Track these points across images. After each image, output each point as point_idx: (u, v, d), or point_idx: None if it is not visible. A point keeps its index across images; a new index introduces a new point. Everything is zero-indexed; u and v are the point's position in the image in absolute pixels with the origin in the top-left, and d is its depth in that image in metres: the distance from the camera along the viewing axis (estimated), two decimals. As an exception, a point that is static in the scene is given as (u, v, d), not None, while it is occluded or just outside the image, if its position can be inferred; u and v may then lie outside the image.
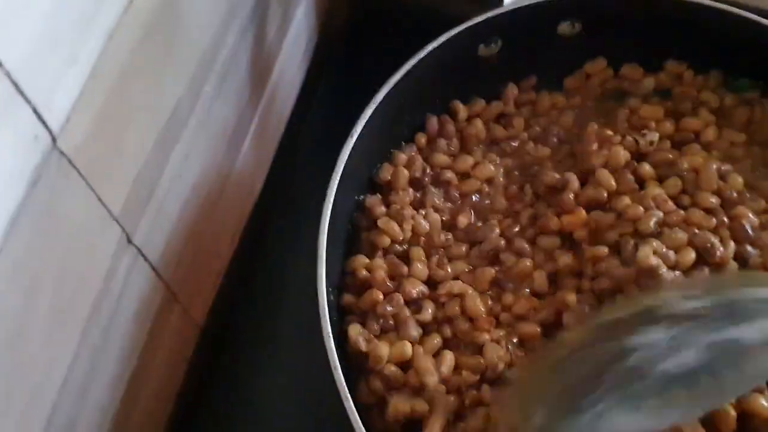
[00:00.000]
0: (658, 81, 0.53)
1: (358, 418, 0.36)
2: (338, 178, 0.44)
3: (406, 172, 0.49)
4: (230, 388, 0.55)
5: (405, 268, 0.45)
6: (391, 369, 0.41)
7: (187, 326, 0.53)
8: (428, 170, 0.50)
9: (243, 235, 0.60)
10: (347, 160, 0.45)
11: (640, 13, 0.52)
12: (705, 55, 0.52)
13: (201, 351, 0.55)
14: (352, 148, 0.45)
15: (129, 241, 0.40)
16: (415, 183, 0.50)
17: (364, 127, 0.47)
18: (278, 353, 0.55)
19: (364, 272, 0.46)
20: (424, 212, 0.48)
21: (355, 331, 0.43)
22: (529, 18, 0.51)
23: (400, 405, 0.40)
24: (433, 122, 0.52)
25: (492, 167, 0.50)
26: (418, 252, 0.46)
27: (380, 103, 0.47)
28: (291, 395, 0.53)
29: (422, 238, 0.46)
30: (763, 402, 0.38)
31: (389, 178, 0.50)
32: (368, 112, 0.47)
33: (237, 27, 0.49)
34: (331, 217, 0.43)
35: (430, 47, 0.49)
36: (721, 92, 0.52)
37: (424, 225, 0.47)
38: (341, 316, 0.45)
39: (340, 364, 0.38)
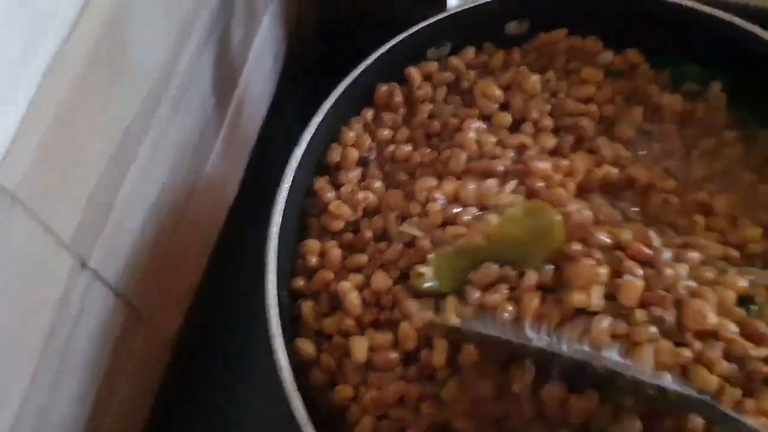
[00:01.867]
0: (615, 62, 0.56)
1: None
2: (286, 192, 0.46)
3: (355, 152, 0.52)
4: (205, 403, 0.57)
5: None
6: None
7: (156, 342, 0.55)
8: (373, 146, 0.52)
9: (216, 248, 0.62)
10: (295, 173, 0.47)
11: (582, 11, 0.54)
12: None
13: (174, 367, 0.57)
14: (299, 163, 0.48)
15: (83, 265, 0.42)
16: (361, 160, 0.52)
17: (313, 137, 0.49)
18: (255, 366, 0.57)
19: (314, 258, 0.48)
20: (367, 185, 0.51)
21: (307, 307, 0.46)
22: (476, 19, 0.53)
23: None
24: (382, 91, 0.54)
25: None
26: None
27: (328, 112, 0.50)
28: (265, 409, 0.55)
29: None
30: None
31: (338, 158, 0.52)
32: (316, 120, 0.50)
33: (192, 47, 0.51)
34: (286, 208, 0.46)
35: (376, 54, 0.52)
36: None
37: (373, 199, 0.50)
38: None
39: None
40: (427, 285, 0.43)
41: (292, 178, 0.47)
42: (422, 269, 0.43)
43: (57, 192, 0.38)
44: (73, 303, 0.42)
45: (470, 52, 0.56)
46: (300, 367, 0.44)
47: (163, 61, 0.47)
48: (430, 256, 0.43)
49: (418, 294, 0.44)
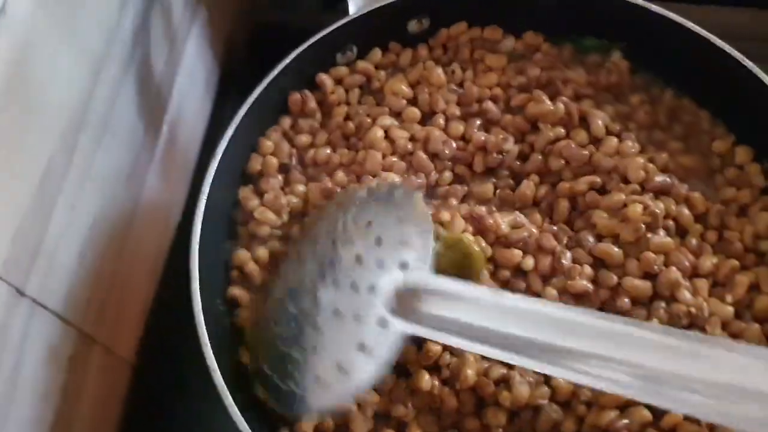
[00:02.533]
0: (517, 47, 0.59)
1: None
2: (203, 208, 0.50)
3: (274, 159, 0.55)
4: (173, 424, 0.59)
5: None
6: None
7: (114, 364, 0.58)
8: (294, 153, 0.56)
9: (166, 266, 0.65)
10: (214, 185, 0.51)
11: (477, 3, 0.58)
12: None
13: (135, 387, 0.60)
14: (221, 175, 0.51)
15: (21, 293, 0.45)
16: (283, 167, 0.56)
17: (233, 147, 0.53)
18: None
19: (251, 264, 0.51)
20: (290, 189, 0.54)
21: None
22: (379, 21, 0.56)
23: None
24: (295, 98, 0.58)
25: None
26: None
27: (240, 123, 0.53)
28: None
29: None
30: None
31: (259, 167, 0.55)
32: (228, 132, 0.53)
33: (109, 79, 0.53)
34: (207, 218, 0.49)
35: (282, 64, 0.55)
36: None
37: (297, 203, 0.53)
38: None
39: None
40: None
41: (208, 191, 0.50)
42: None
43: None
44: (15, 331, 0.44)
45: (377, 53, 0.59)
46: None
47: (77, 96, 0.50)
48: None
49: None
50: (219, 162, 0.52)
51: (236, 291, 0.52)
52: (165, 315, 0.63)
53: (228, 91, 0.76)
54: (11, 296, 0.44)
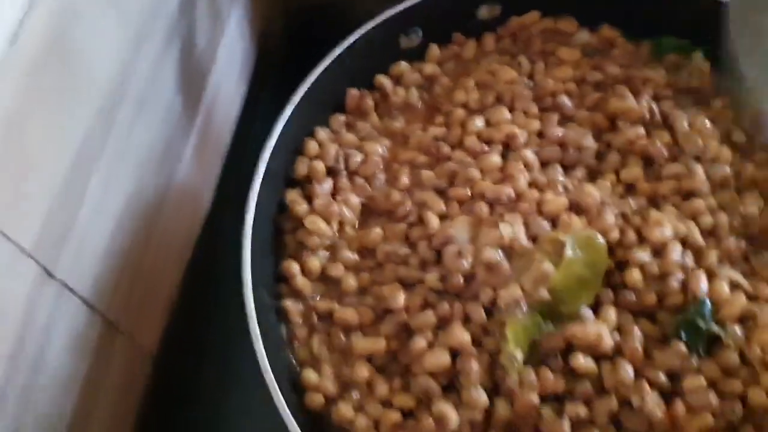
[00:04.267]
0: (591, 41, 0.57)
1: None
2: (260, 181, 0.47)
3: (321, 163, 0.52)
4: (192, 416, 0.57)
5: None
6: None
7: (136, 355, 0.55)
8: (341, 155, 0.53)
9: (192, 259, 0.63)
10: (261, 188, 0.48)
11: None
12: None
13: (156, 378, 0.57)
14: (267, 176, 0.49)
15: (50, 275, 0.43)
16: (331, 170, 0.53)
17: (284, 128, 0.51)
18: (241, 378, 0.57)
19: (300, 278, 0.48)
20: (343, 198, 0.51)
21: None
22: (446, 4, 0.54)
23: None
24: (353, 95, 0.56)
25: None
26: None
27: (298, 104, 0.51)
28: (253, 421, 0.55)
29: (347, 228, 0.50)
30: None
31: (306, 171, 0.52)
32: (287, 112, 0.51)
33: (151, 53, 0.51)
34: (257, 221, 0.46)
35: (345, 44, 0.53)
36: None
37: (349, 215, 0.50)
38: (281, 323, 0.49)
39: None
40: (518, 364, 0.44)
41: (257, 197, 0.48)
42: (516, 353, 0.43)
43: (14, 204, 0.39)
44: (41, 313, 0.42)
45: (434, 49, 0.58)
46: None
47: (118, 68, 0.47)
48: (509, 331, 0.44)
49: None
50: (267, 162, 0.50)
51: (288, 304, 0.49)
52: (189, 307, 0.61)
53: (263, 75, 0.74)
54: (40, 277, 0.42)
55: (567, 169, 0.52)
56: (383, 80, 0.56)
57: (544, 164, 0.52)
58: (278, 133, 0.50)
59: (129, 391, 0.55)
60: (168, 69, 0.55)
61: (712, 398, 0.43)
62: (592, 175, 0.51)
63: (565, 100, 0.53)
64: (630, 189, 0.51)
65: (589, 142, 0.51)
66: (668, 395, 0.43)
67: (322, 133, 0.54)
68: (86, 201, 0.45)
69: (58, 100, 0.41)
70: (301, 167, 0.52)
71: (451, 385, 0.44)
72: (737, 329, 0.44)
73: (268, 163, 0.49)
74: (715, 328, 0.44)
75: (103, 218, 0.48)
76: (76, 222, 0.45)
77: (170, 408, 0.57)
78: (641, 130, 0.51)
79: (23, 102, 0.38)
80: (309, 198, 0.52)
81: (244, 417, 0.55)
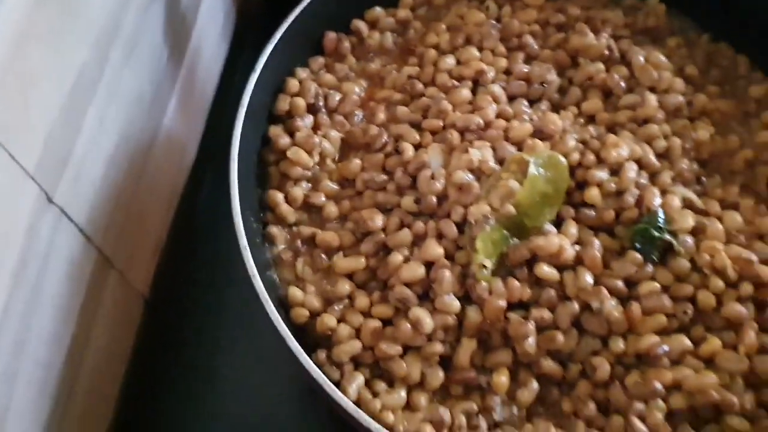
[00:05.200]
0: None
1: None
2: (243, 116, 0.51)
3: (301, 100, 0.56)
4: (186, 355, 0.60)
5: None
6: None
7: (129, 295, 0.59)
8: (320, 93, 0.57)
9: (181, 202, 0.67)
10: (251, 98, 0.52)
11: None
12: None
13: (148, 320, 0.61)
14: (250, 112, 0.53)
15: (49, 200, 0.46)
16: (311, 108, 0.57)
17: (265, 66, 0.54)
18: (231, 317, 0.61)
19: (285, 206, 0.52)
20: (323, 133, 0.55)
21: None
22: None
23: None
24: (331, 38, 0.60)
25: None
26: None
27: (277, 45, 0.55)
28: (246, 359, 0.59)
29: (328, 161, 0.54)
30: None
31: (287, 107, 0.56)
32: (267, 50, 0.55)
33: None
34: (242, 154, 0.50)
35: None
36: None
37: (329, 148, 0.54)
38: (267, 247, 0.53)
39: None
40: (487, 272, 0.48)
41: (240, 131, 0.51)
42: (484, 262, 0.48)
43: (18, 125, 0.42)
44: (41, 236, 0.45)
45: None
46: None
47: (110, 9, 0.51)
48: (479, 243, 0.48)
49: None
50: (250, 95, 0.53)
51: (273, 230, 0.53)
52: (179, 251, 0.65)
53: (244, 32, 0.78)
54: (41, 200, 0.45)
55: (532, 102, 0.56)
56: (359, 24, 0.60)
57: (511, 98, 0.56)
58: (259, 71, 0.53)
59: (123, 327, 0.58)
60: (154, 19, 0.59)
61: (666, 301, 0.47)
62: (556, 108, 0.56)
63: (530, 40, 0.58)
64: (591, 119, 0.55)
65: (553, 77, 0.56)
66: (625, 300, 0.48)
67: (302, 72, 0.58)
68: (83, 131, 0.49)
69: (58, 29, 0.45)
70: (283, 104, 0.56)
71: (426, 295, 0.49)
72: (688, 239, 0.49)
73: (251, 100, 0.52)
74: (668, 236, 0.48)
75: (98, 151, 0.52)
76: (74, 150, 0.48)
77: (163, 345, 0.61)
78: (600, 66, 0.56)
79: (27, 26, 0.42)
80: (291, 133, 0.56)
81: (236, 344, 0.59)
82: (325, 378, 0.43)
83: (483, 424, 0.46)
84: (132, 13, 0.55)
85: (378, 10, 0.62)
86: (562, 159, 0.50)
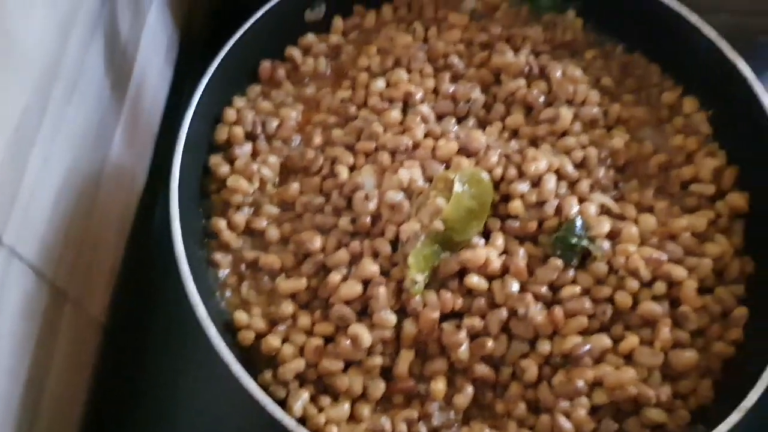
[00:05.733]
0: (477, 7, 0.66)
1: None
2: (181, 150, 0.53)
3: (239, 128, 0.59)
4: (143, 380, 0.62)
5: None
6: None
7: (86, 323, 0.60)
8: (258, 120, 0.60)
9: (133, 228, 0.68)
10: (190, 130, 0.55)
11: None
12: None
13: (106, 347, 0.63)
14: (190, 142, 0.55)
15: (-1, 241, 0.48)
16: (249, 135, 0.59)
17: (202, 98, 0.57)
18: (188, 347, 0.62)
19: (227, 233, 0.55)
20: (262, 159, 0.58)
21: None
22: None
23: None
24: (265, 67, 0.62)
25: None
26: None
27: (212, 76, 0.57)
28: (205, 383, 0.60)
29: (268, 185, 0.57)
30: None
31: (226, 137, 0.59)
32: (203, 83, 0.57)
33: (78, 37, 0.57)
34: (183, 184, 0.52)
35: (252, 19, 0.59)
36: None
37: (269, 174, 0.57)
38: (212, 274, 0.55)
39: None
40: (419, 286, 0.51)
41: (180, 161, 0.53)
42: (416, 277, 0.50)
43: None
44: (-8, 277, 0.48)
45: (340, 22, 0.65)
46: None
47: (50, 49, 0.52)
48: (411, 259, 0.51)
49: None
50: (189, 127, 0.55)
51: (217, 256, 0.56)
52: (133, 277, 0.67)
53: (188, 61, 0.79)
54: (-11, 243, 0.47)
55: (460, 120, 0.59)
56: (293, 51, 0.63)
57: (440, 117, 0.59)
58: (195, 103, 0.56)
59: (81, 357, 0.60)
60: (95, 53, 0.60)
61: (586, 303, 0.51)
62: (482, 124, 0.59)
63: (456, 60, 0.61)
64: (515, 134, 0.58)
65: (477, 95, 0.59)
66: (550, 304, 0.51)
67: (240, 101, 0.61)
68: (28, 170, 0.50)
69: (-3, 77, 0.47)
70: (221, 133, 0.59)
71: (365, 311, 0.51)
72: (605, 244, 0.52)
73: (190, 131, 0.55)
74: (585, 242, 0.51)
75: (45, 190, 0.53)
76: (20, 190, 0.50)
77: (123, 370, 0.63)
78: (522, 82, 0.59)
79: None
80: (231, 161, 0.58)
81: (194, 367, 0.61)
82: (267, 398, 0.45)
83: (423, 429, 0.49)
84: (71, 51, 0.56)
85: (311, 37, 0.64)
86: (485, 175, 0.53)
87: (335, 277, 0.52)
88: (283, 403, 0.49)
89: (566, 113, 0.57)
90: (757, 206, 0.56)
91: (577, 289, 0.51)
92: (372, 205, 0.53)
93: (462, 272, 0.51)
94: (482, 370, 0.50)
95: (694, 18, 0.59)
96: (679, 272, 0.51)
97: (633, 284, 0.51)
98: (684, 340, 0.51)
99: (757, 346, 0.50)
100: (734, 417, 0.45)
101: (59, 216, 0.55)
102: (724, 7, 0.64)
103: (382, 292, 0.50)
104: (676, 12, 0.59)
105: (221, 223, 0.56)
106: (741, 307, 0.52)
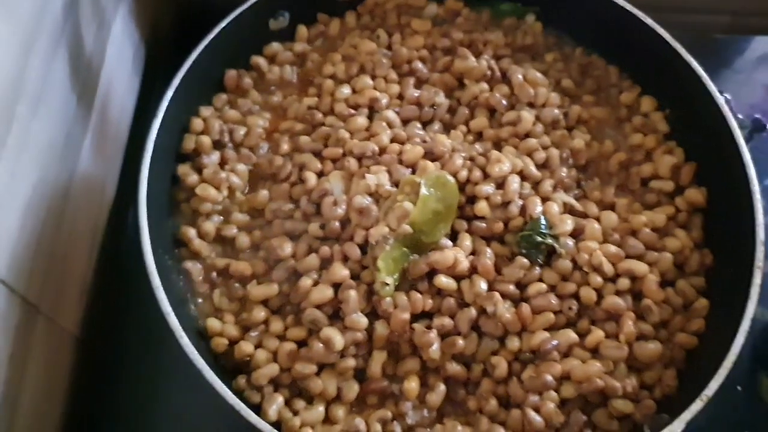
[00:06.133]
0: (439, 13, 0.66)
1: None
2: (148, 161, 0.53)
3: (207, 138, 0.59)
4: (120, 393, 0.62)
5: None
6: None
7: (59, 337, 0.60)
8: (225, 129, 0.60)
9: (104, 239, 0.68)
10: (157, 140, 0.55)
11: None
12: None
13: (81, 360, 0.63)
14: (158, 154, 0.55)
15: (-33, 258, 0.48)
16: (217, 144, 0.60)
17: (168, 108, 0.57)
18: (163, 356, 0.61)
19: (197, 241, 0.55)
20: (230, 167, 0.58)
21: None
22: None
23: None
24: (231, 75, 0.63)
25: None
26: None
27: (179, 86, 0.58)
28: (181, 393, 0.60)
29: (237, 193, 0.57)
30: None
31: (194, 146, 0.59)
32: (169, 93, 0.57)
33: (41, 51, 0.57)
34: (152, 194, 0.53)
35: (212, 33, 0.60)
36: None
37: (238, 182, 0.57)
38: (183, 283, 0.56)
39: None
40: (389, 288, 0.51)
41: (148, 172, 0.54)
42: (386, 280, 0.51)
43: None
44: (-38, 295, 0.47)
45: (303, 29, 0.66)
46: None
47: (12, 64, 0.53)
48: (380, 262, 0.51)
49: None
50: (156, 138, 0.55)
51: (188, 264, 0.56)
52: (106, 289, 0.66)
53: (155, 70, 0.79)
54: (-42, 260, 0.47)
55: (425, 124, 0.60)
56: (258, 60, 0.64)
57: (405, 122, 0.60)
58: (162, 114, 0.56)
59: (55, 371, 0.60)
60: (59, 66, 0.60)
61: (552, 300, 0.52)
62: (447, 128, 0.60)
63: (420, 65, 0.62)
64: (479, 136, 0.60)
65: (442, 100, 0.60)
66: (518, 301, 0.52)
67: (206, 110, 0.61)
68: (-7, 189, 0.51)
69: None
70: (189, 142, 0.59)
71: (336, 314, 0.52)
72: (569, 241, 0.53)
73: (157, 141, 0.55)
74: (550, 240, 0.53)
75: (13, 205, 0.53)
76: (-14, 208, 0.50)
77: (99, 382, 0.62)
78: (484, 86, 0.60)
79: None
80: (199, 170, 0.58)
81: (171, 376, 0.61)
82: (241, 404, 0.46)
83: (398, 429, 0.50)
84: (35, 65, 0.56)
85: (275, 45, 0.65)
86: (450, 178, 0.54)
87: (306, 282, 0.52)
88: (258, 408, 0.49)
89: (528, 116, 0.58)
90: (714, 201, 0.57)
91: (543, 286, 0.52)
92: (341, 210, 0.54)
93: (431, 273, 0.52)
94: (454, 368, 0.51)
95: (649, 20, 0.60)
96: (640, 267, 0.52)
97: (597, 280, 0.52)
98: (648, 333, 0.52)
99: (718, 336, 0.51)
100: (696, 405, 0.46)
101: (28, 229, 0.55)
102: (678, 7, 0.65)
103: (352, 295, 0.51)
104: (632, 14, 0.61)
105: (191, 232, 0.56)
106: (702, 298, 0.54)
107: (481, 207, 0.54)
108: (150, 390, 0.61)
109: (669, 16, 0.61)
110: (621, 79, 0.64)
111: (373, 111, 0.60)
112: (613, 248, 0.53)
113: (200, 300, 0.55)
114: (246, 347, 0.51)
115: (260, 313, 0.53)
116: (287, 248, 0.54)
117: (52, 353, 0.59)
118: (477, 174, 0.55)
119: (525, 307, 0.51)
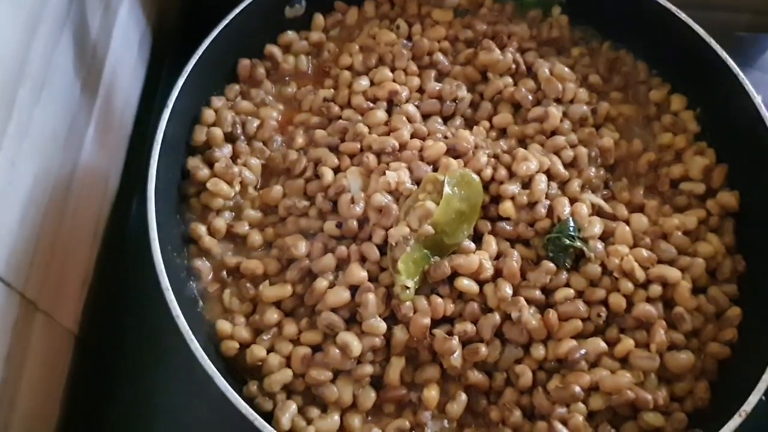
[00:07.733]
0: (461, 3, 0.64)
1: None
2: (157, 154, 0.50)
3: (218, 130, 0.56)
4: (119, 389, 0.59)
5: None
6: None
7: (58, 334, 0.58)
8: (237, 121, 0.57)
9: (106, 234, 0.66)
10: (166, 131, 0.52)
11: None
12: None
13: (79, 358, 0.60)
14: (168, 145, 0.52)
15: (-36, 253, 0.45)
16: (229, 136, 0.57)
17: (179, 98, 0.54)
18: (164, 357, 0.59)
19: (208, 238, 0.52)
20: (243, 161, 0.55)
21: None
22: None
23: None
24: (245, 65, 0.60)
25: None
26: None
27: (189, 76, 0.54)
28: (179, 388, 0.57)
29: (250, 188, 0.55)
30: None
31: (205, 138, 0.56)
32: (179, 83, 0.54)
33: (45, 35, 0.54)
34: (161, 188, 0.50)
35: (230, 16, 0.57)
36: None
37: (250, 176, 0.55)
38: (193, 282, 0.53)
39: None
40: (410, 292, 0.49)
41: (157, 165, 0.51)
42: (406, 283, 0.48)
43: None
44: (-42, 291, 0.45)
45: (319, 18, 0.63)
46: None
47: (15, 48, 0.50)
48: (401, 264, 0.48)
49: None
50: (165, 129, 0.52)
51: (197, 263, 0.53)
52: (108, 286, 0.64)
53: (161, 59, 0.77)
54: (-45, 254, 0.45)
55: (446, 119, 0.57)
56: (273, 49, 0.61)
57: (426, 116, 0.57)
58: (172, 104, 0.53)
59: (53, 369, 0.57)
60: (63, 51, 0.57)
61: (580, 306, 0.49)
62: (469, 123, 0.57)
63: (441, 57, 0.59)
64: (503, 132, 0.57)
65: (464, 94, 0.57)
66: (544, 308, 0.50)
67: (218, 101, 0.58)
68: (-7, 181, 0.48)
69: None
70: (200, 134, 0.56)
71: (353, 317, 0.49)
72: (598, 244, 0.51)
73: (167, 133, 0.52)
74: (579, 243, 0.50)
75: (13, 196, 0.51)
76: (-15, 200, 0.47)
77: (97, 380, 0.60)
78: (509, 80, 0.58)
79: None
80: (210, 163, 0.55)
81: (171, 376, 0.58)
82: (253, 413, 0.43)
83: (416, 439, 0.48)
84: (38, 49, 0.53)
85: (291, 34, 0.62)
86: (475, 176, 0.51)
87: (322, 283, 0.50)
88: (270, 416, 0.46)
89: (556, 112, 0.55)
90: (746, 204, 0.55)
91: (571, 291, 0.50)
92: (358, 209, 0.51)
93: (452, 276, 0.50)
94: (476, 376, 0.49)
95: (682, 15, 0.58)
96: (674, 273, 0.50)
97: (627, 286, 0.49)
98: (679, 342, 0.49)
99: (752, 347, 0.49)
100: (734, 421, 0.44)
101: (28, 222, 0.53)
102: (701, 3, 0.63)
103: (371, 298, 0.48)
104: (664, 7, 0.58)
105: (201, 229, 0.53)
106: (734, 306, 0.51)
107: (506, 207, 0.51)
108: (152, 393, 0.59)
109: (692, 12, 0.58)
110: (650, 75, 0.61)
111: (392, 104, 0.57)
112: (645, 253, 0.50)
113: (210, 301, 0.52)
114: (258, 351, 0.48)
115: (273, 315, 0.50)
116: (302, 247, 0.51)
117: (50, 352, 0.56)
118: (502, 172, 0.52)
119: (552, 314, 0.49)
